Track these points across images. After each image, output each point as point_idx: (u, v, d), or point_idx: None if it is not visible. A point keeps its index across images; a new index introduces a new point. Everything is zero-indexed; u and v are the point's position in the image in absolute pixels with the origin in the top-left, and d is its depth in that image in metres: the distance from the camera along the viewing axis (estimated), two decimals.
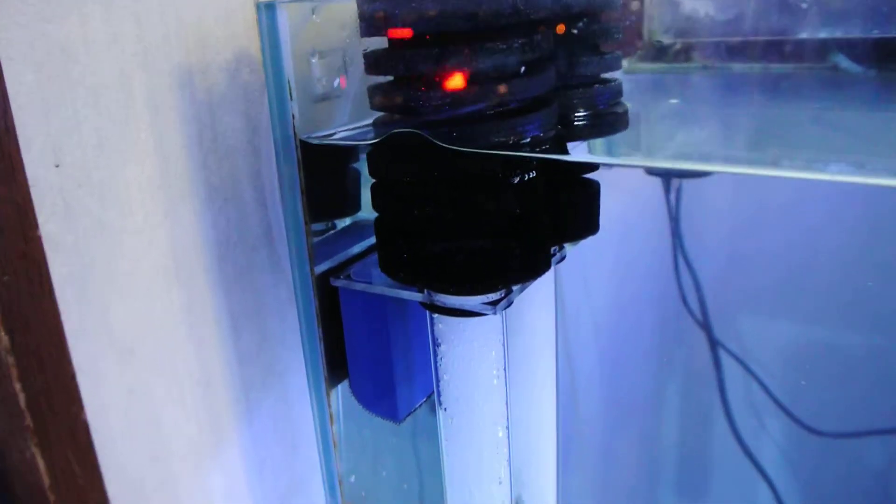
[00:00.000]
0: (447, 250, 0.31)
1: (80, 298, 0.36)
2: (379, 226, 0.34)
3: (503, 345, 0.34)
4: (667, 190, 0.61)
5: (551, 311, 0.40)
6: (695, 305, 0.74)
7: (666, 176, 0.59)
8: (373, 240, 0.36)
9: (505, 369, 0.34)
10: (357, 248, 0.40)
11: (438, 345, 0.35)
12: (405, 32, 0.28)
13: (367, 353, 0.38)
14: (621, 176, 0.69)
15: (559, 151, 0.30)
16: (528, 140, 0.30)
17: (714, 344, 0.75)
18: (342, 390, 0.43)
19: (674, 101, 0.49)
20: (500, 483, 0.36)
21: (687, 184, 0.67)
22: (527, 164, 0.31)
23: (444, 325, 0.34)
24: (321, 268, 0.38)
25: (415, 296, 0.34)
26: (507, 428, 0.35)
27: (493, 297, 0.32)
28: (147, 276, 0.39)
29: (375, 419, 0.42)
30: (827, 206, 0.69)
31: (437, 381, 0.35)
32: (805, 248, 0.70)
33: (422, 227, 0.32)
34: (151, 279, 0.39)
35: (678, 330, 0.76)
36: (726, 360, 0.75)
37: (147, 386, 0.39)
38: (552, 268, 0.40)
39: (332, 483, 0.38)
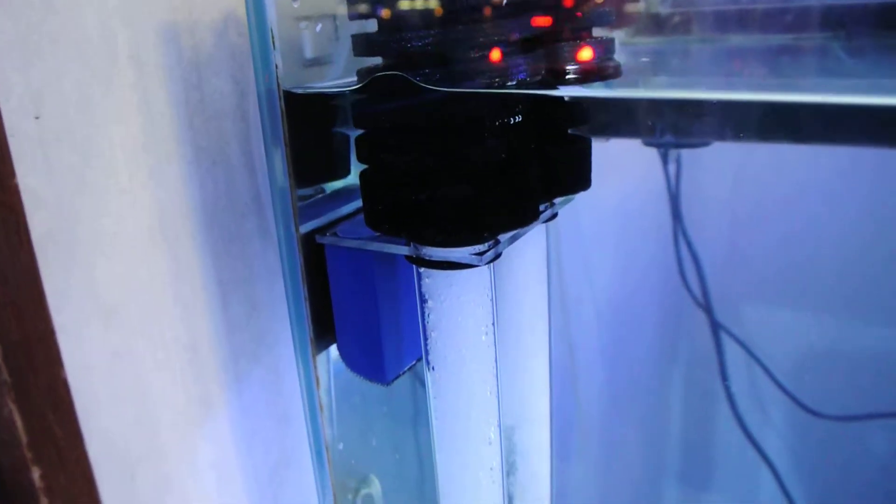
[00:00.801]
0: (432, 199, 0.30)
1: (61, 256, 0.35)
2: (364, 178, 0.34)
3: (491, 300, 0.33)
4: (665, 161, 0.60)
5: (543, 273, 0.39)
6: (696, 287, 0.73)
7: (663, 146, 0.59)
8: (361, 202, 0.35)
9: (494, 325, 0.34)
10: (346, 209, 0.39)
11: (425, 301, 0.34)
12: None
13: (354, 313, 0.37)
14: (618, 150, 0.68)
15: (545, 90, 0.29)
16: (514, 83, 0.29)
17: (715, 327, 0.73)
18: (333, 360, 0.42)
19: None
20: (490, 444, 0.35)
21: (687, 157, 0.66)
22: (512, 107, 0.30)
23: (431, 280, 0.33)
24: (307, 227, 0.37)
25: (401, 249, 0.34)
26: (497, 387, 0.35)
27: (479, 248, 0.32)
28: (132, 237, 0.38)
29: (366, 387, 0.42)
30: (833, 185, 0.68)
31: (425, 339, 0.35)
32: (809, 228, 0.69)
33: (406, 175, 0.31)
34: (136, 240, 0.38)
35: (679, 312, 0.75)
36: (728, 344, 0.74)
37: (132, 349, 0.39)
38: (543, 227, 0.39)
39: (318, 449, 0.38)
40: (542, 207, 0.36)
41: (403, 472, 0.47)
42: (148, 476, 0.40)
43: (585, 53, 0.33)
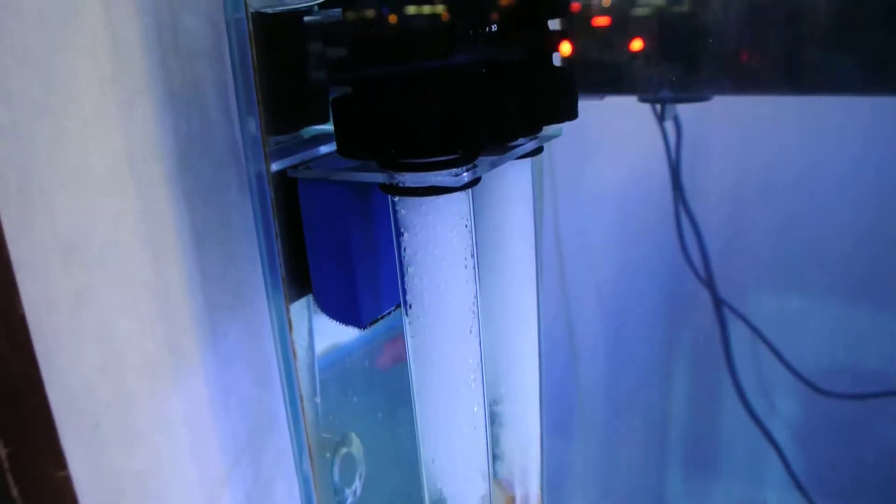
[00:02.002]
0: (404, 111, 0.28)
1: (19, 186, 0.33)
2: (335, 103, 0.32)
3: (470, 231, 0.31)
4: (662, 118, 0.58)
5: (529, 211, 0.37)
6: (698, 262, 0.71)
7: (660, 101, 0.57)
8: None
9: (473, 258, 0.32)
10: (322, 150, 0.37)
11: (401, 234, 0.32)
12: None
13: (328, 251, 0.35)
14: (614, 111, 0.66)
15: None
16: None
17: (719, 303, 0.71)
18: (314, 314, 0.40)
19: None
20: (472, 385, 0.33)
21: (687, 128, 0.64)
22: (489, 18, 0.28)
23: (406, 211, 0.31)
24: (280, 164, 0.35)
25: (374, 177, 0.32)
26: (478, 326, 0.33)
27: (455, 170, 0.30)
28: (98, 172, 0.37)
29: (346, 341, 0.40)
30: (841, 159, 0.66)
31: (402, 276, 0.33)
32: (816, 202, 0.67)
33: (377, 90, 0.29)
34: (102, 175, 0.37)
35: (681, 289, 0.73)
36: (732, 321, 0.71)
37: (96, 291, 0.37)
38: (528, 165, 0.37)
39: (293, 398, 0.36)
40: (525, 141, 0.34)
41: (385, 431, 0.45)
42: (114, 425, 0.38)
43: None
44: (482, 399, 0.34)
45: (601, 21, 0.48)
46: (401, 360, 0.54)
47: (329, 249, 0.35)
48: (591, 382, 0.77)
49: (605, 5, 0.53)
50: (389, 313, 0.37)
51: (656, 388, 0.75)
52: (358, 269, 0.34)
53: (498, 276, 0.37)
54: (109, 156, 0.37)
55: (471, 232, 0.32)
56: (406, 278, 0.33)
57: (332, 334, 0.41)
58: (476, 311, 0.33)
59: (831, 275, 0.68)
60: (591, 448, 0.78)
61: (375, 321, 0.36)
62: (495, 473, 0.41)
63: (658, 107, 0.57)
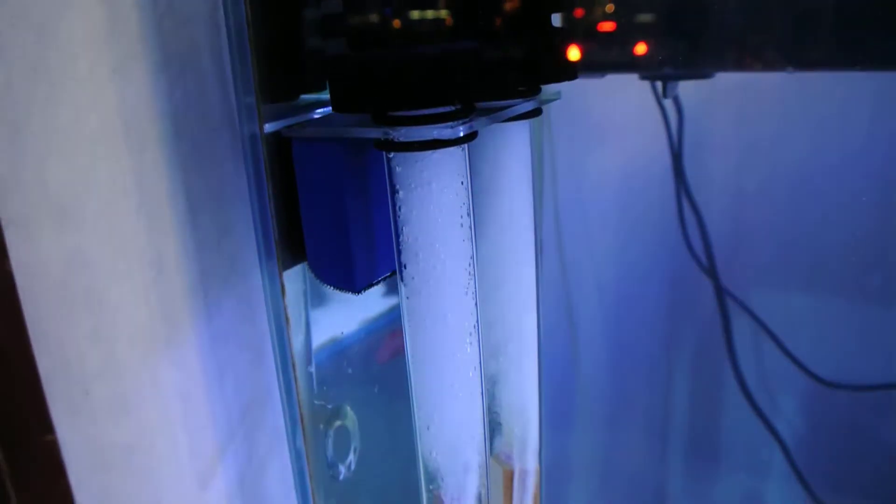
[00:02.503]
0: (399, 61, 0.28)
1: (11, 141, 0.33)
2: (330, 59, 0.31)
3: (466, 188, 0.31)
4: (664, 95, 0.57)
5: (527, 175, 0.36)
6: (700, 251, 0.70)
7: (661, 79, 0.56)
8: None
9: (469, 216, 0.31)
10: (317, 114, 0.37)
11: (396, 192, 0.31)
12: None
13: (322, 214, 0.35)
14: (614, 96, 0.66)
15: None
16: None
17: (721, 292, 0.70)
18: (309, 282, 0.40)
19: None
20: (468, 348, 0.32)
21: (689, 113, 0.63)
22: None
23: (402, 167, 0.31)
24: (274, 127, 0.35)
25: (369, 132, 0.31)
26: (475, 287, 0.32)
27: (451, 123, 0.29)
28: (92, 133, 0.36)
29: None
30: (848, 143, 0.65)
31: (397, 237, 0.32)
32: (821, 189, 0.66)
33: (371, 41, 0.29)
34: (96, 137, 0.36)
35: (682, 278, 0.72)
36: (734, 310, 0.70)
37: (89, 255, 0.37)
38: (527, 127, 0.37)
39: (285, 365, 0.35)
40: (522, 102, 0.33)
41: (380, 404, 0.45)
42: (104, 395, 0.38)
43: None
44: (479, 362, 0.33)
45: None
46: (399, 354, 0.54)
47: (323, 211, 0.34)
48: (591, 373, 0.76)
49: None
50: (385, 279, 0.37)
51: (657, 378, 0.74)
52: (352, 230, 0.34)
53: (495, 242, 0.37)
54: (103, 118, 0.36)
55: (467, 189, 0.31)
56: (401, 238, 0.32)
57: (330, 326, 0.40)
58: (472, 273, 0.32)
59: (837, 264, 0.67)
60: (592, 439, 0.77)
61: (370, 286, 0.36)
62: (493, 449, 0.41)
63: (660, 88, 0.57)
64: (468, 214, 0.31)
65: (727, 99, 0.64)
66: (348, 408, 0.41)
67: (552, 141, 0.70)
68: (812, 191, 0.67)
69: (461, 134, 0.29)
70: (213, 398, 0.44)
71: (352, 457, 0.40)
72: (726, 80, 0.63)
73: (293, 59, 0.38)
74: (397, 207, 0.32)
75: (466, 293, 0.32)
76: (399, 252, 0.32)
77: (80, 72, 0.35)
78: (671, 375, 0.74)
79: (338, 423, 0.40)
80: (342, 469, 0.40)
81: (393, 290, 0.45)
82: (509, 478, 0.39)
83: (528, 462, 0.39)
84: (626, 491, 0.77)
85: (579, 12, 0.45)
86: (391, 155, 0.31)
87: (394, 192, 0.32)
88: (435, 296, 0.32)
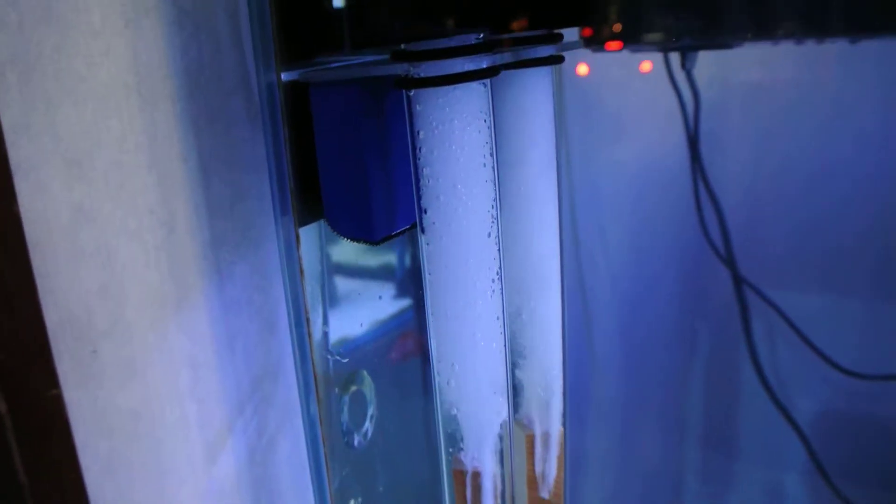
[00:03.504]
0: None
1: (21, 89, 0.32)
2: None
3: (489, 126, 0.30)
4: (683, 66, 0.56)
5: (550, 125, 0.35)
6: (718, 239, 0.69)
7: (679, 49, 0.55)
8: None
9: (492, 156, 0.30)
10: (335, 65, 0.36)
11: (417, 133, 0.30)
12: None
13: (340, 161, 0.34)
14: (629, 80, 0.65)
15: None
16: None
17: (739, 281, 0.69)
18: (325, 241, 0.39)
19: None
20: (491, 295, 0.31)
21: (703, 86, 0.62)
22: None
23: (423, 106, 0.30)
24: (292, 76, 0.34)
25: (390, 69, 0.30)
26: (498, 231, 0.31)
27: (473, 58, 0.28)
28: (104, 86, 0.35)
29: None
30: (867, 129, 0.64)
31: (417, 181, 0.31)
32: (842, 173, 0.65)
33: None
34: (109, 90, 0.36)
35: (699, 267, 0.70)
36: (753, 300, 0.69)
37: (99, 209, 0.36)
38: (549, 75, 0.36)
39: (298, 319, 0.34)
40: (546, 48, 0.33)
41: (398, 369, 0.43)
42: (111, 355, 0.37)
43: None
44: (502, 311, 0.32)
45: None
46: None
47: (341, 158, 0.33)
48: (607, 362, 0.75)
49: None
50: (405, 231, 0.35)
51: (674, 368, 0.73)
52: (371, 176, 0.33)
53: (517, 192, 0.36)
54: (118, 72, 0.36)
55: (490, 128, 0.30)
56: (421, 182, 0.31)
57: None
58: (495, 217, 0.31)
59: (857, 252, 0.65)
60: (608, 430, 0.75)
61: (389, 237, 0.34)
62: (514, 413, 0.39)
63: (675, 71, 0.56)
64: (491, 154, 0.30)
65: (744, 84, 0.64)
66: (365, 373, 0.39)
67: (566, 128, 0.69)
68: (832, 178, 0.66)
69: (485, 65, 0.28)
70: (224, 368, 0.43)
71: (368, 424, 0.39)
72: (744, 62, 0.62)
73: (311, 16, 0.38)
74: (418, 150, 0.31)
75: (490, 236, 0.31)
76: (419, 197, 0.31)
77: (92, 22, 0.35)
78: (688, 365, 0.72)
79: (354, 388, 0.39)
80: (357, 437, 0.39)
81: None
82: (531, 442, 0.37)
83: (552, 425, 0.38)
84: (643, 482, 0.75)
85: None
86: (412, 93, 0.30)
87: (414, 134, 0.31)
88: (456, 240, 0.31)
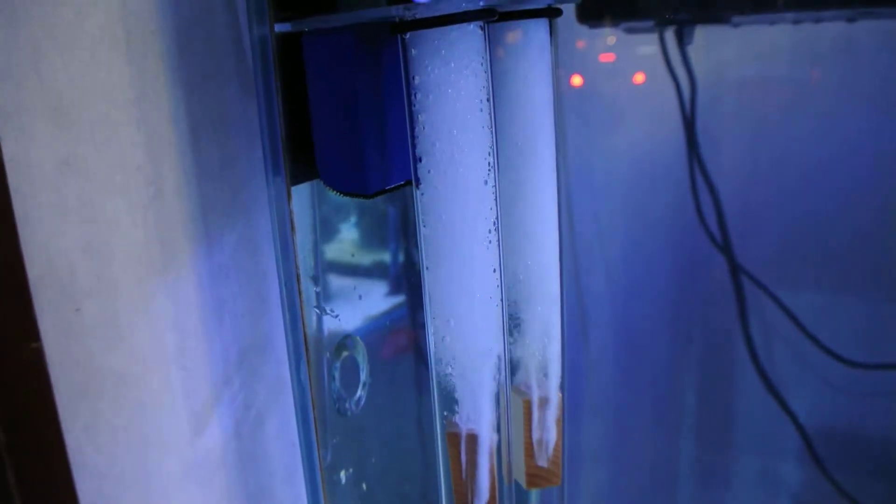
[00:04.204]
0: None
1: (7, 29, 0.31)
2: None
3: (486, 70, 0.29)
4: (681, 42, 0.56)
5: (547, 75, 0.35)
6: (714, 226, 0.68)
7: (676, 24, 0.55)
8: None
9: (490, 101, 0.29)
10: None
11: (412, 79, 0.30)
12: None
13: (334, 112, 0.33)
14: (625, 64, 0.65)
15: None
16: None
17: (736, 269, 0.68)
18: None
19: None
20: (489, 244, 0.30)
21: (699, 69, 0.62)
22: None
23: (419, 49, 0.29)
24: (285, 28, 0.33)
25: (387, 12, 0.30)
26: (494, 177, 0.30)
27: None
28: (91, 37, 0.35)
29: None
30: (865, 115, 0.64)
31: (412, 128, 0.30)
32: (839, 160, 0.65)
33: None
34: (97, 42, 0.35)
35: (696, 254, 0.70)
36: (749, 288, 0.68)
37: (85, 163, 0.35)
38: (545, 28, 0.35)
39: (288, 276, 0.33)
40: None
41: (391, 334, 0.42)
42: (95, 314, 0.36)
43: None
44: (499, 263, 0.31)
45: None
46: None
47: (335, 108, 0.33)
48: (602, 351, 0.74)
49: None
50: (399, 188, 0.35)
51: (670, 356, 0.72)
52: (365, 126, 0.32)
53: (514, 144, 0.35)
54: (104, 22, 0.35)
55: (486, 73, 0.29)
56: (416, 130, 0.30)
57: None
58: (492, 164, 0.30)
59: (856, 240, 0.65)
60: (604, 418, 0.74)
61: (383, 192, 0.34)
62: (512, 379, 0.38)
63: (672, 55, 0.55)
64: (488, 100, 0.30)
65: (741, 70, 0.63)
66: (358, 338, 0.38)
67: (562, 116, 0.69)
68: (830, 166, 0.65)
69: (482, 4, 0.28)
70: (211, 337, 0.42)
71: (361, 392, 0.38)
72: (741, 44, 0.62)
73: None
74: (413, 96, 0.30)
75: (486, 184, 0.30)
76: (414, 147, 0.31)
77: None
78: (684, 353, 0.71)
79: (346, 353, 0.38)
80: (350, 405, 0.38)
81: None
82: (528, 408, 0.36)
83: (551, 390, 0.37)
84: (638, 471, 0.74)
85: None
86: (407, 37, 0.29)
87: (409, 80, 0.30)
88: (452, 188, 0.30)
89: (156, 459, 0.39)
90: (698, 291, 0.71)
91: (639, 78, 0.67)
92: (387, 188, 0.34)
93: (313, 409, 0.34)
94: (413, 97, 0.30)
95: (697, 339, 0.71)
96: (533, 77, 0.34)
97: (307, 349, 0.34)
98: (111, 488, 0.37)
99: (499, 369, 0.32)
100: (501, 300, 0.31)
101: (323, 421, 0.37)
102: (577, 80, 0.68)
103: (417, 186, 0.31)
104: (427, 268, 0.31)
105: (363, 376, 0.38)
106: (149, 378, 0.39)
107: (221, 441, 0.43)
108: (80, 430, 0.36)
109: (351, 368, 0.39)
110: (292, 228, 0.32)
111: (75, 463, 0.36)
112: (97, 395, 0.36)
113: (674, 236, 0.70)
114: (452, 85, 0.29)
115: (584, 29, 0.66)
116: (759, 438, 0.68)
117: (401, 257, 0.43)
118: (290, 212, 0.32)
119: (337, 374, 0.37)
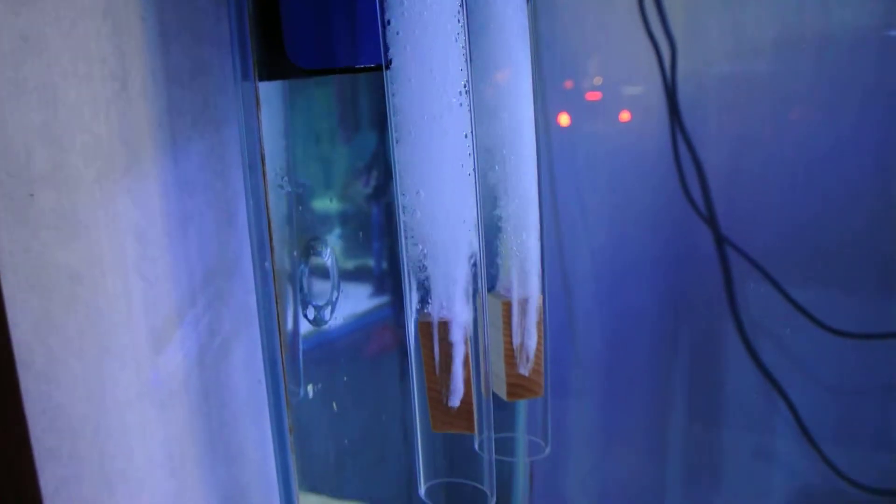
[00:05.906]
0: None
1: None
2: None
3: None
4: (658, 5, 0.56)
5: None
6: (699, 197, 0.67)
7: None
8: None
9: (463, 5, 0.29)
10: None
11: None
12: None
13: None
14: (601, 32, 0.65)
15: None
16: None
17: (721, 241, 0.67)
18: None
19: None
20: (459, 106, 0.29)
21: (679, 35, 0.62)
22: None
23: None
24: None
25: None
26: (466, 35, 0.29)
27: None
28: None
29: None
30: (851, 81, 0.64)
31: (384, 27, 0.29)
32: (826, 128, 0.64)
33: None
34: None
35: (680, 226, 0.69)
36: (735, 259, 0.67)
37: (44, 42, 0.34)
38: None
39: (253, 162, 0.31)
40: None
41: (361, 240, 0.40)
42: (51, 203, 0.34)
43: None
44: (471, 129, 0.30)
45: None
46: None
47: None
48: (587, 327, 0.72)
49: None
50: (368, 70, 0.33)
51: (655, 330, 0.70)
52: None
53: (489, 52, 0.34)
54: None
55: None
56: (389, 31, 0.29)
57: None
58: (463, 22, 0.29)
59: (843, 209, 0.64)
60: (590, 394, 0.72)
61: (353, 70, 0.32)
62: (491, 287, 0.36)
63: (652, 22, 0.55)
64: (463, 4, 0.29)
65: (724, 26, 0.64)
66: (330, 249, 0.37)
67: (543, 91, 0.68)
68: (816, 135, 0.65)
69: None
70: (175, 251, 0.40)
71: (328, 310, 0.36)
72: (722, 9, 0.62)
73: None
74: None
75: (456, 41, 0.29)
76: (382, 11, 0.30)
77: None
78: (670, 327, 0.69)
79: (316, 260, 0.36)
80: (318, 314, 0.36)
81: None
82: (507, 310, 0.35)
83: (531, 290, 0.35)
84: (626, 449, 0.71)
85: None
86: None
87: None
88: (421, 47, 0.29)
89: (112, 370, 0.37)
90: (683, 263, 0.69)
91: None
92: (356, 67, 0.33)
93: (277, 307, 0.32)
94: None
95: (683, 312, 0.69)
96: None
97: (271, 243, 0.32)
98: (61, 396, 0.35)
99: (473, 243, 0.30)
100: (474, 170, 0.30)
101: (289, 329, 0.35)
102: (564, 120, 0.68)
103: (387, 54, 0.30)
104: (397, 140, 0.30)
105: (334, 292, 0.37)
106: (107, 281, 0.37)
107: (184, 366, 0.41)
108: (28, 328, 0.34)
109: (321, 276, 0.37)
110: (259, 124, 0.31)
111: (21, 362, 0.33)
112: (49, 293, 0.34)
113: (658, 207, 0.69)
114: None
115: None
116: (748, 413, 0.66)
117: (376, 173, 0.41)
118: (256, 89, 0.31)
119: (304, 278, 0.36)
